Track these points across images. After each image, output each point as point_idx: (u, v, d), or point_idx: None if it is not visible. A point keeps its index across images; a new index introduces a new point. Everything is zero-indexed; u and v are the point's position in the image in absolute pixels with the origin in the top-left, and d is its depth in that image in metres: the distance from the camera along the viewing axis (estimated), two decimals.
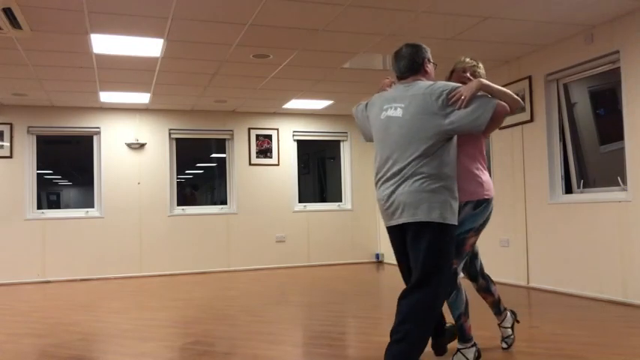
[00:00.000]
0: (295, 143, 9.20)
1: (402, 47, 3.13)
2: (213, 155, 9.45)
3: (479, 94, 2.89)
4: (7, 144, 7.81)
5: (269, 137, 8.99)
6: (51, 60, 5.75)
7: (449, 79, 3.33)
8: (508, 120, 6.23)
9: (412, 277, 2.93)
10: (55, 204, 9.60)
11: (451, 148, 2.93)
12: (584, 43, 5.30)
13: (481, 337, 3.79)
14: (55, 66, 5.97)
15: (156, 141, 8.44)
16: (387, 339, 2.78)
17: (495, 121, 2.92)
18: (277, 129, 9.03)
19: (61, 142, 8.65)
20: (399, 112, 2.94)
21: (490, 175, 7.30)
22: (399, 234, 2.98)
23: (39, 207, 8.05)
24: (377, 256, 9.31)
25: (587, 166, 5.69)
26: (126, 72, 6.28)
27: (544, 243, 5.79)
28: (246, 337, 4.09)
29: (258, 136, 8.93)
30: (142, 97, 7.60)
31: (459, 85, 2.94)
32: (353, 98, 8.09)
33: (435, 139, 2.84)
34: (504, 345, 3.53)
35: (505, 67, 6.27)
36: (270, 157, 8.97)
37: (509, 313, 3.60)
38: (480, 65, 3.37)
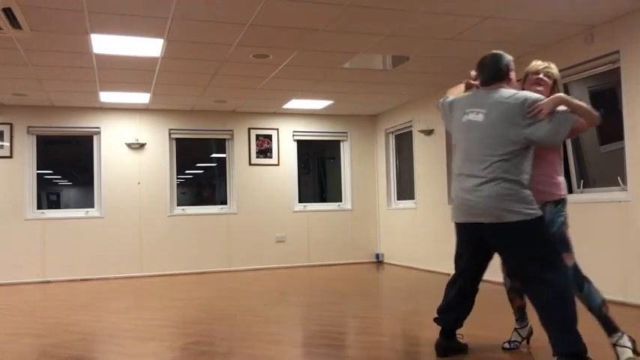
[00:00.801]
0: (295, 143, 9.20)
1: (486, 56, 3.32)
2: (213, 155, 9.45)
3: (558, 108, 3.00)
4: (7, 144, 7.82)
5: (269, 137, 8.99)
6: (51, 60, 5.75)
7: (523, 84, 3.39)
8: None
9: (524, 276, 3.12)
10: (55, 204, 9.59)
11: (529, 155, 3.07)
12: (584, 43, 5.29)
13: (479, 337, 3.79)
14: (55, 66, 5.98)
15: (156, 141, 8.44)
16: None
17: (571, 135, 3.15)
18: (277, 129, 9.03)
19: (61, 142, 8.65)
20: (480, 118, 3.11)
21: None
22: (471, 230, 3.18)
23: (39, 207, 8.05)
24: (377, 256, 9.31)
25: (587, 166, 5.69)
26: (126, 72, 6.28)
27: None
28: (246, 337, 4.09)
29: (258, 136, 8.93)
30: (142, 97, 7.60)
31: (541, 97, 3.06)
32: (353, 98, 8.09)
33: (514, 147, 3.00)
34: (507, 345, 3.55)
35: None
36: (270, 157, 8.97)
37: (529, 328, 3.63)
38: (552, 65, 3.39)
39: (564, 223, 3.23)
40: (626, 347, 3.05)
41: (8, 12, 4.36)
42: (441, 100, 3.54)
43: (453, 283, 3.42)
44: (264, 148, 8.96)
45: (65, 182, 10.11)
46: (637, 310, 4.66)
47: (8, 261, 7.64)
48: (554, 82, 3.35)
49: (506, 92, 3.11)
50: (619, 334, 3.08)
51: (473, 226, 3.14)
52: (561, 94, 3.07)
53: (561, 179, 3.29)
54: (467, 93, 3.38)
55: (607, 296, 4.97)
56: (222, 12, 4.53)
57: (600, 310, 3.12)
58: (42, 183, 8.26)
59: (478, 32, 5.18)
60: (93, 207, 8.23)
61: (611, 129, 5.24)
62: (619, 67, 4.98)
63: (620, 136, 5.00)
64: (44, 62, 5.82)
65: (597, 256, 5.15)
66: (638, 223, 4.77)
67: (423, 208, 8.12)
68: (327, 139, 9.49)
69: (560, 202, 3.24)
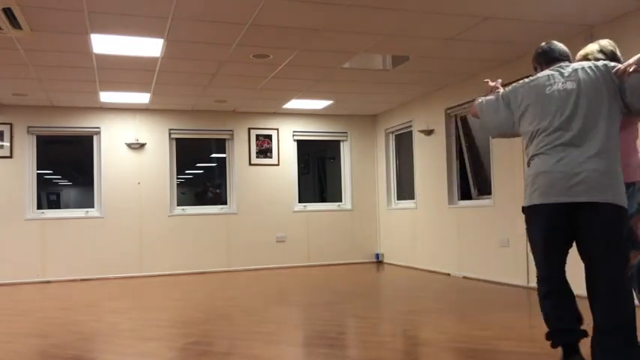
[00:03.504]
0: (295, 143, 9.20)
1: (549, 42, 3.11)
2: (213, 155, 9.45)
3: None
4: (7, 144, 7.81)
5: (269, 137, 8.99)
6: (51, 60, 5.75)
7: None
8: None
9: (599, 266, 2.71)
10: (55, 204, 9.60)
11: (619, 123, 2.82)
12: (584, 43, 5.28)
13: (482, 337, 3.80)
14: (55, 66, 5.97)
15: (156, 141, 8.44)
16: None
17: None
18: (277, 129, 9.03)
19: (61, 142, 8.65)
20: (572, 85, 2.82)
21: (490, 176, 7.28)
22: (564, 212, 2.74)
23: (39, 207, 8.05)
24: (377, 256, 9.31)
25: None
26: (126, 72, 6.28)
27: None
28: (246, 337, 4.09)
29: (258, 136, 8.93)
30: (142, 97, 7.60)
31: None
32: (353, 98, 8.09)
33: (616, 114, 2.77)
34: None
35: (505, 67, 6.27)
36: (270, 157, 8.97)
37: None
38: (597, 44, 3.18)
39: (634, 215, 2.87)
40: None
41: (8, 12, 4.36)
42: (482, 98, 3.22)
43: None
44: (264, 148, 8.95)
45: (65, 182, 10.12)
46: (636, 310, 4.65)
47: (8, 261, 7.64)
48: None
49: (581, 62, 2.93)
50: None
51: (567, 207, 2.71)
52: None
53: (635, 161, 2.93)
54: (526, 79, 3.04)
55: None
56: (222, 12, 4.53)
57: None
58: (42, 183, 8.26)
59: (478, 32, 5.18)
60: (93, 207, 8.23)
61: None
62: None
63: None
64: (44, 62, 5.82)
65: None
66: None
67: (423, 208, 8.12)
68: (327, 139, 9.49)
69: (631, 187, 2.86)
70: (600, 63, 2.86)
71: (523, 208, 2.90)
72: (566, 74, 2.88)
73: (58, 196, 10.19)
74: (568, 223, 2.75)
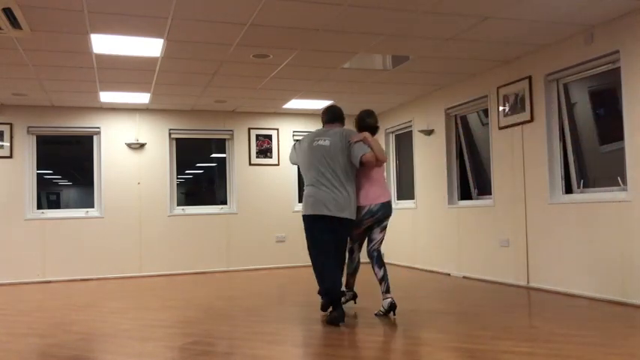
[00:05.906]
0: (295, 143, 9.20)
1: (332, 105, 5.00)
2: (213, 155, 9.45)
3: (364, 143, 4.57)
4: (7, 144, 7.82)
5: (269, 137, 8.99)
6: (51, 60, 5.75)
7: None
8: (508, 120, 6.24)
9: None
10: (55, 204, 9.58)
11: (354, 171, 4.64)
12: (584, 43, 5.30)
13: (482, 337, 3.80)
14: (55, 66, 5.98)
15: (156, 141, 8.44)
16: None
17: (366, 164, 4.53)
18: (277, 129, 9.03)
19: (61, 142, 8.65)
20: (327, 143, 4.59)
21: (490, 176, 7.32)
22: (318, 221, 4.72)
23: (39, 207, 8.05)
24: None
25: (587, 166, 5.69)
26: (126, 72, 6.28)
27: (544, 243, 5.79)
28: (246, 337, 4.09)
29: (258, 136, 8.93)
30: (142, 97, 7.61)
31: (355, 132, 4.72)
32: (353, 98, 8.09)
33: (345, 164, 4.56)
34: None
35: (505, 67, 6.28)
36: (270, 157, 8.97)
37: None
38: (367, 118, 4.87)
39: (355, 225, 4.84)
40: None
41: (8, 12, 4.36)
42: (293, 145, 5.03)
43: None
44: (264, 148, 8.96)
45: (65, 182, 10.10)
46: (637, 310, 4.66)
47: (8, 261, 7.64)
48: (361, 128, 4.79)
49: (340, 128, 4.73)
50: (344, 290, 5.07)
51: (319, 218, 4.65)
52: (367, 135, 4.56)
53: (362, 192, 4.69)
54: (312, 132, 4.88)
55: (607, 296, 5.01)
56: (222, 12, 4.53)
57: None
58: (42, 183, 8.26)
59: (478, 32, 5.18)
60: (93, 207, 8.23)
61: (611, 129, 5.24)
62: (619, 67, 4.98)
63: (620, 136, 5.00)
64: (44, 62, 5.82)
65: (597, 256, 5.16)
66: (638, 223, 4.77)
67: (423, 208, 8.12)
68: None
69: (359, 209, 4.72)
70: (349, 132, 4.63)
71: (303, 216, 4.90)
72: (329, 133, 4.64)
73: (58, 196, 10.16)
74: (325, 225, 4.68)
